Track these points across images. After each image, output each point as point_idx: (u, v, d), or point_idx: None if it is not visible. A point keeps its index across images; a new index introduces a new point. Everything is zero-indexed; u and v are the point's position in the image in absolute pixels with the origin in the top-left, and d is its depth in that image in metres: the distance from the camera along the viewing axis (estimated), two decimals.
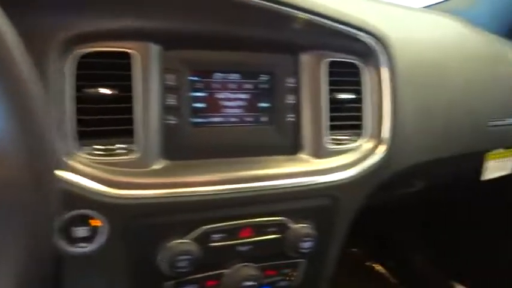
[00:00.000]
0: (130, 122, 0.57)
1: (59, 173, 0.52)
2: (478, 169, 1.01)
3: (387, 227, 1.59)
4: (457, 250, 1.40)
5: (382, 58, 0.72)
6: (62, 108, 0.53)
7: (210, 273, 0.62)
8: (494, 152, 1.01)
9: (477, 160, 1.00)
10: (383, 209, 1.38)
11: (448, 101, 0.87)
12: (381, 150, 0.72)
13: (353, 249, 1.65)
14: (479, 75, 0.95)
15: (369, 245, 1.66)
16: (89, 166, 0.54)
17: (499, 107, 0.97)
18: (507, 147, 1.04)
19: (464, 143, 0.91)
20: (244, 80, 0.66)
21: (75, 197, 0.52)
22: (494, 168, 1.03)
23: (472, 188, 1.14)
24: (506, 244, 1.27)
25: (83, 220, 0.54)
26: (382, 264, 1.60)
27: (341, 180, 0.69)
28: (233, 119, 0.66)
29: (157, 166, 0.59)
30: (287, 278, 0.68)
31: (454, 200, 1.34)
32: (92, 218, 0.54)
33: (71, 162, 0.53)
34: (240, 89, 0.66)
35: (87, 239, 0.55)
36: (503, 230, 1.27)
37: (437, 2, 1.36)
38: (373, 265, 1.61)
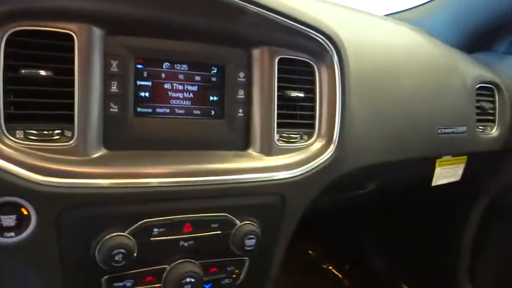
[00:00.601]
0: (68, 107, 0.55)
1: None
2: (429, 174, 1.04)
3: (344, 229, 1.61)
4: (410, 253, 1.43)
5: (334, 59, 0.72)
6: None
7: (150, 268, 0.60)
8: (443, 159, 1.04)
9: (428, 166, 1.03)
10: (339, 210, 1.40)
11: (400, 105, 0.89)
12: (331, 150, 0.72)
13: (309, 252, 1.66)
14: (431, 83, 0.97)
15: (325, 247, 1.67)
16: (18, 151, 0.51)
17: (449, 115, 1.00)
18: (456, 155, 1.07)
19: (415, 148, 0.93)
20: (193, 72, 0.64)
21: (1, 183, 0.49)
22: (443, 174, 1.06)
23: (425, 192, 1.17)
24: (455, 248, 1.31)
25: (10, 208, 0.51)
26: (337, 267, 1.61)
27: (288, 178, 0.68)
28: (180, 111, 0.64)
29: (95, 155, 0.56)
30: (230, 276, 0.67)
31: (407, 202, 1.37)
32: (21, 207, 0.51)
33: (3, 148, 0.50)
34: (188, 80, 0.64)
35: (15, 229, 0.52)
36: (455, 234, 1.31)
37: (398, 11, 1.40)
38: (329, 267, 1.62)
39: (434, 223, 1.35)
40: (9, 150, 0.51)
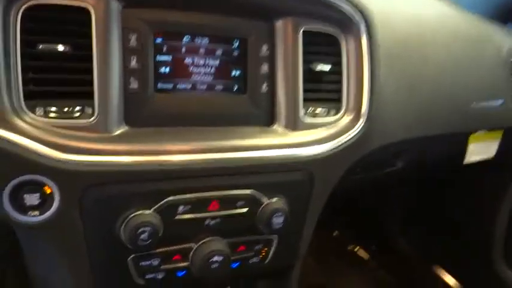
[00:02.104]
0: (88, 83, 0.53)
1: (5, 134, 0.48)
2: (461, 151, 0.99)
3: (370, 209, 1.58)
4: (439, 232, 1.39)
5: (362, 28, 0.68)
6: (9, 64, 0.49)
7: (176, 247, 0.59)
8: (477, 134, 0.99)
9: (460, 142, 0.98)
10: (365, 190, 1.36)
11: (431, 78, 0.84)
12: (360, 125, 0.69)
13: (334, 234, 1.64)
14: (464, 55, 0.92)
15: (351, 228, 1.64)
16: (38, 128, 0.50)
17: (483, 88, 0.95)
18: (490, 130, 1.02)
19: (446, 123, 0.88)
20: (215, 45, 0.62)
21: (24, 161, 0.48)
22: (476, 151, 1.01)
23: (456, 170, 1.12)
24: (488, 227, 1.26)
25: (33, 187, 0.50)
26: (364, 248, 1.58)
27: (316, 154, 0.66)
28: (202, 87, 0.62)
29: (117, 132, 0.55)
30: (258, 254, 0.65)
31: (437, 181, 1.32)
32: (44, 185, 0.50)
33: (19, 124, 0.49)
34: (209, 54, 0.62)
35: (39, 208, 0.51)
36: (488, 213, 1.26)
37: None
38: (355, 249, 1.59)
39: (465, 202, 1.31)
40: (30, 127, 0.49)
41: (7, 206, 0.50)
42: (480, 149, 1.01)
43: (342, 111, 0.70)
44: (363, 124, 0.69)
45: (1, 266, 0.94)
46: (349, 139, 0.68)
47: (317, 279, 1.37)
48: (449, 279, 1.37)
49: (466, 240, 1.32)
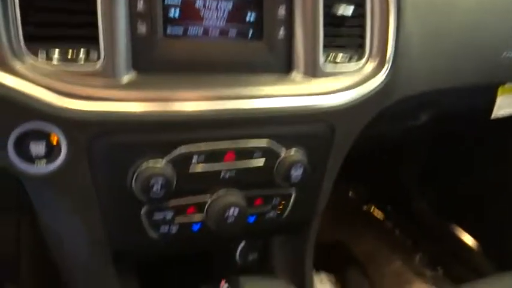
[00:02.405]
0: (93, 25, 0.49)
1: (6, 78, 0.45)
2: (489, 105, 0.94)
3: (386, 168, 1.54)
4: (459, 193, 1.36)
5: None
6: (6, 2, 0.45)
7: (190, 200, 0.57)
8: (507, 86, 0.93)
9: (488, 94, 0.93)
10: (383, 149, 1.33)
11: (460, 26, 0.78)
12: (384, 72, 0.65)
13: (350, 194, 1.61)
14: (495, 1, 0.85)
15: (367, 188, 1.61)
16: (41, 74, 0.46)
17: None
18: None
19: (474, 74, 0.83)
20: None
21: (27, 108, 0.46)
22: (506, 104, 0.95)
23: (481, 126, 1.07)
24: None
25: (39, 135, 0.47)
26: (379, 209, 1.56)
27: (338, 104, 0.62)
28: (214, 32, 0.57)
29: (125, 78, 0.51)
30: (276, 209, 0.63)
31: (459, 138, 1.27)
32: (49, 134, 0.48)
33: (20, 68, 0.46)
34: None
35: (46, 157, 0.48)
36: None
37: None
38: (370, 210, 1.57)
39: (490, 160, 1.26)
40: (32, 72, 0.46)
41: (12, 155, 0.47)
42: (510, 103, 0.95)
43: (364, 58, 0.65)
44: (387, 71, 0.64)
45: (15, 217, 0.94)
46: (373, 88, 0.64)
47: (332, 237, 1.36)
48: (468, 238, 1.35)
49: (488, 200, 1.28)
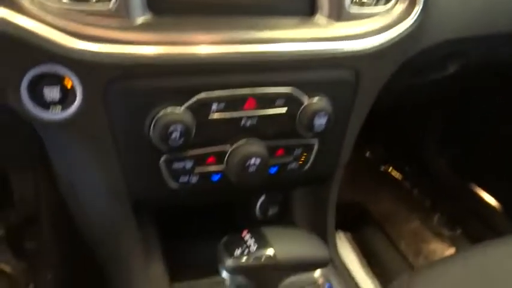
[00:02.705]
0: None
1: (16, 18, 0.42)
2: None
3: (404, 127, 1.50)
4: (479, 152, 1.32)
5: None
6: None
7: (210, 149, 0.55)
8: None
9: None
10: (401, 108, 1.28)
11: None
12: (415, 14, 0.60)
13: (366, 154, 1.59)
14: None
15: (384, 149, 1.58)
16: (53, 13, 0.44)
17: None
18: None
19: (508, 21, 0.77)
20: None
21: (38, 49, 0.43)
22: None
23: (509, 81, 1.02)
24: None
25: (52, 79, 0.45)
26: (397, 169, 1.54)
27: (364, 49, 0.58)
28: None
29: (140, 19, 0.48)
30: (298, 160, 0.61)
31: (482, 94, 1.22)
32: (63, 77, 0.45)
33: (29, 6, 0.43)
34: None
35: (61, 103, 0.46)
36: None
37: None
38: (388, 170, 1.55)
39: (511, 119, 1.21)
40: (41, 11, 0.43)
41: (26, 100, 0.45)
42: None
43: (392, 0, 0.61)
44: (418, 14, 0.60)
45: (33, 173, 0.94)
46: (401, 32, 0.60)
47: (349, 197, 1.34)
48: (488, 197, 1.32)
49: (510, 158, 1.25)
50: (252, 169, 0.54)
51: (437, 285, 0.64)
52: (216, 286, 0.59)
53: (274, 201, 0.70)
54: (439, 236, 1.34)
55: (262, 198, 0.70)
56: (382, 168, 1.56)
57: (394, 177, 1.53)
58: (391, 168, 1.55)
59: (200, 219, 0.75)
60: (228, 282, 0.48)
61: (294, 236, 0.51)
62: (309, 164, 0.61)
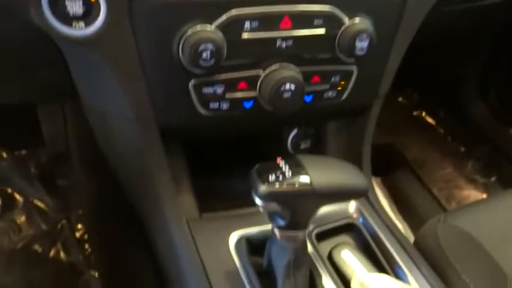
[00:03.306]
0: None
1: None
2: None
3: (440, 69, 1.42)
4: None
5: None
6: None
7: (242, 73, 0.51)
8: None
9: None
10: (440, 47, 1.20)
11: None
12: None
13: (399, 99, 1.52)
14: None
15: (418, 93, 1.51)
16: None
17: None
18: None
19: None
20: None
21: None
22: None
23: None
24: None
25: None
26: (430, 114, 1.47)
27: None
28: None
29: None
30: (335, 88, 0.56)
31: None
32: None
33: None
34: None
35: (84, 18, 0.43)
36: None
37: None
38: (421, 115, 1.48)
39: None
40: None
41: (48, 15, 0.43)
42: None
43: None
44: None
45: (61, 101, 0.94)
46: None
47: (380, 140, 1.30)
48: None
49: None
50: (286, 95, 0.51)
51: (469, 226, 0.62)
52: (246, 217, 0.57)
53: (307, 135, 0.67)
54: (473, 182, 1.29)
55: (294, 131, 0.66)
56: (415, 113, 1.50)
57: (427, 122, 1.47)
58: (424, 113, 1.49)
59: (229, 155, 0.73)
60: (261, 210, 0.46)
61: (331, 164, 0.48)
62: (346, 93, 0.57)
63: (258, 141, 0.71)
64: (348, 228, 0.60)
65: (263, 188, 0.43)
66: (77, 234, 1.06)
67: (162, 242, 0.60)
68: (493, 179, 1.31)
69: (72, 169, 1.11)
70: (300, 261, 0.49)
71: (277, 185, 0.43)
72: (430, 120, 1.48)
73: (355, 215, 0.61)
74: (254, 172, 0.45)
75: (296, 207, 0.45)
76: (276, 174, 0.44)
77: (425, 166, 1.30)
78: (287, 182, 0.43)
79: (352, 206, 0.62)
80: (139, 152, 0.57)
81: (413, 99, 1.53)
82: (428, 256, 0.59)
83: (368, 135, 0.66)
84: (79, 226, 1.08)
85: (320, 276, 0.52)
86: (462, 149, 1.38)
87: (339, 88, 0.57)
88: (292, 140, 0.67)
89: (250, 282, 0.50)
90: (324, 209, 0.57)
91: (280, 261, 0.49)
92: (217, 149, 0.72)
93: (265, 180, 0.43)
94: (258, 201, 0.44)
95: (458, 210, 0.73)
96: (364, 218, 0.60)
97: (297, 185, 0.43)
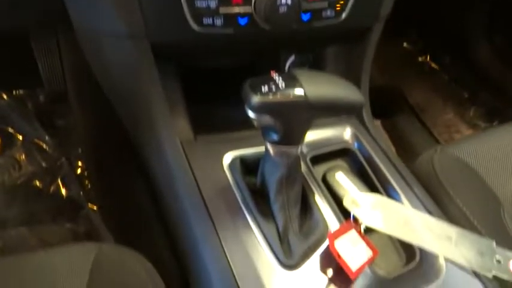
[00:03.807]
0: None
1: None
2: None
3: (444, 15, 1.38)
4: None
5: None
6: None
7: None
8: None
9: None
10: None
11: None
12: None
13: (404, 44, 1.48)
14: None
15: (422, 39, 1.47)
16: None
17: None
18: None
19: None
20: None
21: None
22: None
23: None
24: None
25: None
26: (436, 60, 1.44)
27: None
28: None
29: None
30: (333, 7, 0.54)
31: None
32: None
33: None
34: None
35: None
36: None
37: None
38: (425, 60, 1.45)
39: None
40: None
41: None
42: None
43: None
44: None
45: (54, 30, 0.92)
46: None
47: (382, 81, 1.28)
48: None
49: None
50: (282, 10, 0.49)
51: (466, 155, 0.61)
52: (241, 140, 0.57)
53: (305, 61, 0.65)
54: (474, 127, 1.28)
55: (291, 58, 0.65)
56: (420, 59, 1.47)
57: (432, 67, 1.44)
58: (429, 58, 1.46)
59: (226, 85, 0.72)
60: (255, 124, 0.45)
61: (327, 78, 0.47)
62: (345, 13, 0.55)
63: (255, 70, 0.70)
64: (343, 153, 0.60)
65: (256, 99, 0.42)
66: (77, 171, 1.07)
67: (157, 165, 0.60)
68: (495, 123, 1.29)
69: (71, 109, 1.11)
70: (293, 177, 0.49)
71: (270, 96, 0.42)
72: (434, 65, 1.45)
73: (350, 140, 0.61)
74: (247, 84, 0.44)
75: (289, 121, 0.44)
76: (269, 86, 0.43)
77: (427, 111, 1.28)
78: (281, 93, 0.42)
79: (348, 131, 0.61)
80: (132, 72, 0.56)
81: (418, 44, 1.49)
82: (422, 182, 0.59)
83: (367, 62, 0.64)
84: (79, 163, 1.09)
85: (313, 194, 0.52)
86: (465, 94, 1.36)
87: (338, 7, 0.54)
88: (289, 67, 0.65)
89: (243, 198, 0.51)
90: (320, 134, 0.57)
91: (273, 177, 0.49)
92: (214, 79, 0.71)
93: (258, 91, 0.42)
94: (250, 113, 0.43)
95: (456, 142, 0.72)
96: (360, 143, 0.60)
97: (290, 96, 0.42)
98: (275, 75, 0.44)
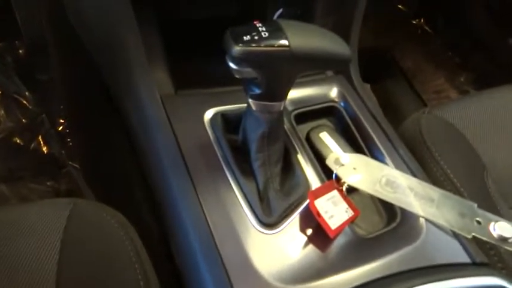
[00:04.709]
0: None
1: None
2: None
3: None
4: None
5: None
6: None
7: None
8: None
9: None
10: None
11: None
12: None
13: (399, 6, 1.43)
14: None
15: (417, 0, 1.43)
16: None
17: None
18: None
19: None
20: None
21: None
22: None
23: None
24: None
25: None
26: (429, 23, 1.40)
27: None
28: None
29: None
30: None
31: None
32: None
33: None
34: None
35: None
36: None
37: None
38: (420, 23, 1.41)
39: None
40: None
41: None
42: None
43: None
44: None
45: None
46: None
47: (374, 43, 1.24)
48: None
49: None
50: None
51: (453, 117, 0.60)
52: (223, 95, 0.55)
53: (292, 15, 0.62)
54: (464, 93, 1.27)
55: (279, 12, 0.62)
56: (414, 21, 1.43)
57: (425, 30, 1.41)
58: (423, 21, 1.42)
59: (210, 40, 0.68)
60: (236, 76, 0.43)
61: (313, 30, 0.45)
62: None
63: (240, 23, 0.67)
64: (329, 112, 0.58)
65: (237, 49, 0.40)
66: (58, 128, 1.04)
67: (136, 120, 0.58)
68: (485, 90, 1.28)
69: (51, 63, 1.07)
70: (275, 134, 0.47)
71: (252, 46, 0.40)
72: (428, 29, 1.41)
73: (337, 99, 0.59)
74: (228, 33, 0.41)
75: (272, 73, 0.42)
76: (251, 35, 0.40)
77: (418, 75, 1.26)
78: (263, 43, 0.40)
79: (334, 90, 0.59)
80: (107, 15, 0.53)
81: (413, 6, 1.45)
82: (408, 143, 0.58)
83: (357, 18, 0.61)
84: (60, 120, 1.05)
85: (296, 153, 0.51)
86: (457, 60, 1.34)
87: None
88: None
89: (223, 155, 0.49)
90: (305, 92, 0.55)
91: (254, 134, 0.47)
92: (197, 32, 0.67)
93: (240, 40, 0.40)
94: (231, 64, 0.41)
95: (443, 104, 0.71)
96: (347, 102, 0.58)
97: (274, 46, 0.40)
98: (258, 24, 0.41)
